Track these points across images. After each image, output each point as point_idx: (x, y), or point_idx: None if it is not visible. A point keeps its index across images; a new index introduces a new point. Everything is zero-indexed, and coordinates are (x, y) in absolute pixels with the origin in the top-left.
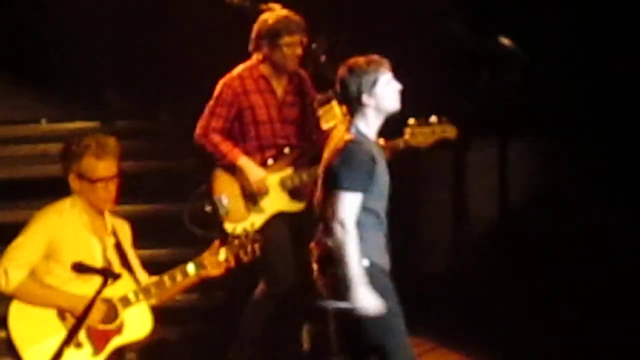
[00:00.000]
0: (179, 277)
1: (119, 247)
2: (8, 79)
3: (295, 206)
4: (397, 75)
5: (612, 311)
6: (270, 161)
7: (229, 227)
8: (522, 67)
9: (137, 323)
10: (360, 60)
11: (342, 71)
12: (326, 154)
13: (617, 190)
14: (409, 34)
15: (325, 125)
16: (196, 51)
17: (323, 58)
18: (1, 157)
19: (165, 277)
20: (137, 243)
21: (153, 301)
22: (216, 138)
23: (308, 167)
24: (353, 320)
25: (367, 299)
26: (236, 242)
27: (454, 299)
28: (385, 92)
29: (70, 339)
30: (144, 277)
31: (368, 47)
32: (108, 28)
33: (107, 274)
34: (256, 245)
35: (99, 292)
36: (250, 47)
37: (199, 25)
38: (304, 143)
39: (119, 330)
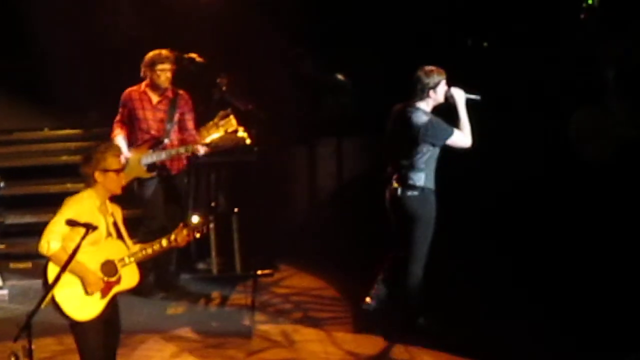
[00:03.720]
0: (156, 247)
1: (115, 224)
2: (19, 98)
3: (147, 175)
4: (272, 99)
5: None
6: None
7: None
8: (350, 92)
9: (129, 276)
10: (432, 67)
11: (420, 72)
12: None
13: None
14: (279, 71)
15: (224, 131)
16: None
17: (224, 88)
18: (19, 152)
19: (148, 246)
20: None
21: (139, 259)
22: (115, 125)
23: (162, 150)
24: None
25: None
26: (193, 226)
27: (309, 238)
28: (441, 91)
29: (58, 278)
30: (130, 244)
31: (256, 81)
32: (89, 67)
33: (89, 227)
34: (205, 228)
35: (83, 237)
36: (141, 74)
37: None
38: (169, 136)
39: (118, 282)
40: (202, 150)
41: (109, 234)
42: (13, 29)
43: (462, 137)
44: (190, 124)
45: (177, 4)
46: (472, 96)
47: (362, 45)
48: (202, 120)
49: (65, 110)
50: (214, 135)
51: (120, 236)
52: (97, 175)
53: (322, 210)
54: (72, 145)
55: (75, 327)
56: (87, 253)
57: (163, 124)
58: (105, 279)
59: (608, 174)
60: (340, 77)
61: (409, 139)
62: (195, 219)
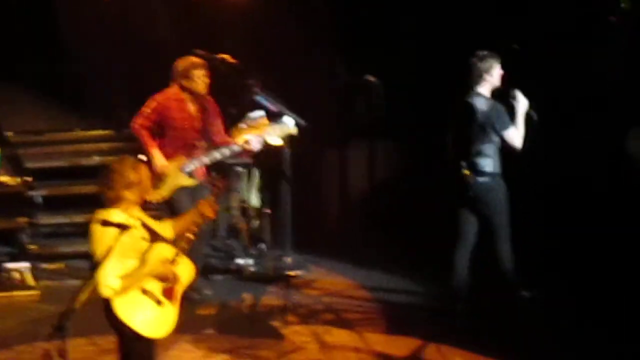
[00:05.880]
0: (193, 229)
1: (143, 224)
2: (50, 99)
3: (190, 182)
4: (304, 101)
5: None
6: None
7: (147, 197)
8: (381, 95)
9: (186, 270)
10: (485, 52)
11: (474, 59)
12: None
13: (437, 175)
14: (311, 73)
15: (257, 132)
16: None
17: (256, 89)
18: (50, 153)
19: (189, 234)
20: None
21: (185, 250)
22: (143, 132)
23: (199, 156)
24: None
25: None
26: (214, 191)
27: (341, 240)
28: (497, 74)
29: (103, 263)
30: (165, 227)
31: (288, 82)
32: (121, 68)
33: (123, 227)
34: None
35: (117, 239)
36: (172, 81)
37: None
38: (203, 143)
39: (178, 281)
40: (253, 144)
41: (143, 238)
42: (45, 30)
43: (517, 135)
44: (221, 127)
45: (209, 5)
46: (531, 112)
47: (395, 48)
48: (234, 122)
49: (96, 111)
50: (248, 135)
51: (152, 232)
52: (125, 193)
53: (353, 212)
54: (104, 146)
55: (131, 336)
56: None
57: (197, 133)
58: (169, 265)
59: None
60: (371, 78)
61: (475, 125)
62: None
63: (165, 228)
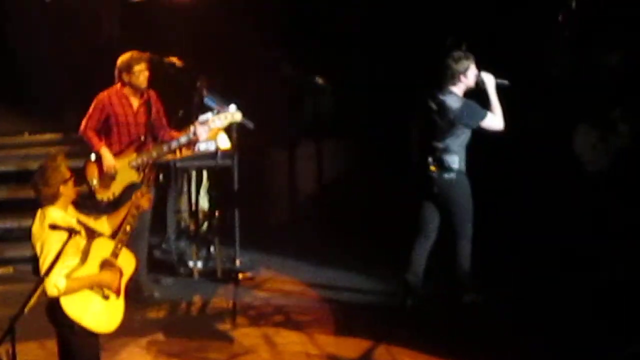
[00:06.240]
0: (131, 220)
1: (78, 221)
2: None
3: (141, 177)
4: (252, 102)
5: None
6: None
7: (99, 196)
8: (330, 95)
9: (127, 263)
10: (460, 53)
11: (449, 60)
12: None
13: (385, 173)
14: (259, 74)
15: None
16: None
17: (205, 92)
18: (0, 157)
19: (127, 226)
20: None
21: (125, 242)
22: (91, 133)
23: (147, 151)
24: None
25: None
26: (144, 180)
27: (291, 240)
28: (472, 75)
29: (51, 267)
30: (100, 223)
31: (236, 84)
32: (70, 72)
33: (71, 231)
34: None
35: (65, 243)
36: (116, 79)
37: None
38: (149, 137)
39: (121, 274)
40: (199, 133)
41: (80, 235)
42: None
43: (495, 120)
44: (164, 121)
45: (156, 7)
46: (501, 81)
47: (343, 48)
48: (182, 124)
49: (45, 115)
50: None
51: (87, 228)
52: (62, 189)
53: (302, 213)
54: (53, 149)
55: (79, 333)
56: (82, 271)
57: (143, 127)
58: (116, 267)
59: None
60: (319, 80)
61: (444, 122)
62: None
63: (102, 224)
